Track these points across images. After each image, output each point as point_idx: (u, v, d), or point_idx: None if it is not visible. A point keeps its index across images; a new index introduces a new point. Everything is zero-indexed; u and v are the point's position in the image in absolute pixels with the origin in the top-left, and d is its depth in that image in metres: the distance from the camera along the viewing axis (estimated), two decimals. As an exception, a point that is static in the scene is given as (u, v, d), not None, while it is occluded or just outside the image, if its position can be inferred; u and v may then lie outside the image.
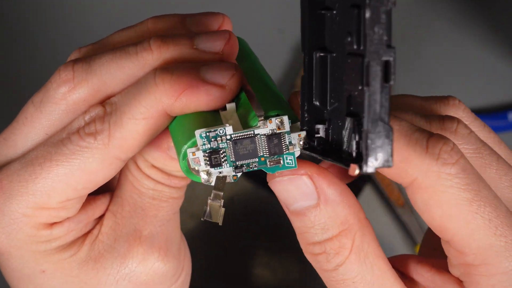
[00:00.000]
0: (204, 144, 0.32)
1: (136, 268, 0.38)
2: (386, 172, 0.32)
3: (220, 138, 0.32)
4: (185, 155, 0.33)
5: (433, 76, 0.81)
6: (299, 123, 0.33)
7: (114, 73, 0.36)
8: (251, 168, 0.33)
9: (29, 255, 0.37)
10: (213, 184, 0.32)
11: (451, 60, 0.82)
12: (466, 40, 0.82)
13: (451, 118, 0.35)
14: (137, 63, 0.36)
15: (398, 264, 0.36)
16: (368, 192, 0.77)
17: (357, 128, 0.29)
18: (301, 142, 0.32)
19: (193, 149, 0.32)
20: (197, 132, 0.32)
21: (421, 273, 0.35)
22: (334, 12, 0.31)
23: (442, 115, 0.35)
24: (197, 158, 0.32)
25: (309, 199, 0.33)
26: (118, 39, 0.38)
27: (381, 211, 0.77)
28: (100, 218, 0.39)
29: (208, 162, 0.32)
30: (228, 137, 0.32)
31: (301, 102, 0.32)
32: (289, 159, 0.32)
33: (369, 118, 0.28)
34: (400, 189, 0.77)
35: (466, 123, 0.36)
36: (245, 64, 0.38)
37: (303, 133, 0.32)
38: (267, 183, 0.34)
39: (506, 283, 0.32)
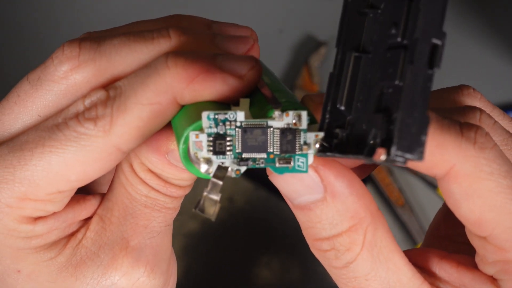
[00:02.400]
0: (210, 127, 0.29)
1: (119, 282, 0.34)
2: (421, 163, 0.29)
3: (229, 123, 0.29)
4: (187, 138, 0.30)
5: (433, 76, 0.81)
6: (316, 125, 0.29)
7: (125, 56, 0.33)
8: (257, 164, 0.29)
9: (6, 250, 0.34)
10: (212, 174, 0.29)
11: (451, 60, 0.82)
12: (466, 40, 0.82)
13: (473, 109, 0.32)
14: (152, 48, 0.33)
15: (417, 259, 0.33)
16: (368, 192, 0.77)
17: (386, 124, 0.26)
18: (317, 145, 0.29)
19: (197, 132, 0.29)
20: (204, 114, 0.29)
21: (445, 269, 0.32)
22: (379, 11, 0.28)
23: (462, 107, 0.33)
24: (200, 141, 0.29)
25: (315, 192, 0.30)
26: (135, 28, 0.35)
27: (381, 211, 0.77)
28: (87, 221, 0.35)
29: (211, 148, 0.29)
30: (238, 123, 0.29)
31: (324, 101, 0.29)
32: (301, 161, 0.29)
33: (407, 99, 0.25)
34: (400, 189, 0.77)
35: (488, 111, 0.34)
36: (263, 77, 0.35)
37: (321, 134, 0.29)
38: (268, 177, 0.31)
39: None
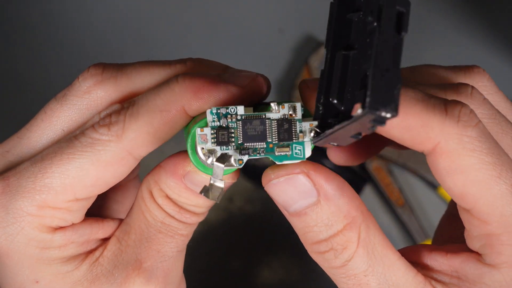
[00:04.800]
0: (213, 121, 0.32)
1: None
2: (409, 140, 0.31)
3: (230, 116, 0.32)
4: (194, 134, 0.32)
5: (433, 76, 0.81)
6: (311, 117, 0.32)
7: (144, 76, 0.36)
8: (257, 153, 0.32)
9: (26, 260, 0.36)
10: (215, 160, 0.32)
11: (451, 60, 0.82)
12: (466, 40, 0.82)
13: (465, 84, 0.34)
14: (169, 71, 0.36)
15: (410, 255, 0.35)
16: (368, 192, 0.77)
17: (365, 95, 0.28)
18: (312, 133, 0.31)
19: (202, 127, 0.32)
20: (208, 110, 0.31)
21: (436, 259, 0.34)
22: (361, 13, 0.30)
23: (456, 83, 0.35)
24: (205, 134, 0.32)
25: (309, 197, 0.32)
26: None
27: (381, 211, 0.77)
28: (105, 241, 0.38)
29: (214, 140, 0.31)
30: (239, 117, 0.32)
31: (317, 94, 0.31)
32: (298, 149, 0.31)
33: (377, 59, 0.27)
34: (400, 189, 0.77)
35: (490, 92, 0.35)
36: None
37: (315, 123, 0.31)
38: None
39: None
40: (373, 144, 0.39)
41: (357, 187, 0.76)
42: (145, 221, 0.37)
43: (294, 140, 0.31)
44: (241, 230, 0.76)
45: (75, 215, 0.36)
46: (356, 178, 0.76)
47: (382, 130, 0.31)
